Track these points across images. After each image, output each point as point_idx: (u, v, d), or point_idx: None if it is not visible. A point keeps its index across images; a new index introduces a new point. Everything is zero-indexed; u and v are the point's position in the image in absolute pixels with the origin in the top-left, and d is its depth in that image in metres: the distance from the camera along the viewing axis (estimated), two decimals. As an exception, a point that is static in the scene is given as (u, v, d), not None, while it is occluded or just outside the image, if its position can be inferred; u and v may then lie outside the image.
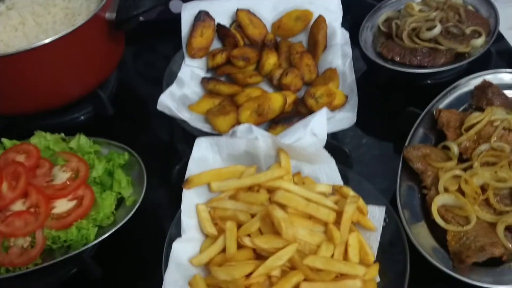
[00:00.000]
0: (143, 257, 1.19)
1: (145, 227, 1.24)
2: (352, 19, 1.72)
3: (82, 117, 1.59)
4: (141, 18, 1.51)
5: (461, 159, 1.21)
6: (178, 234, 1.12)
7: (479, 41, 1.50)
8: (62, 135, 1.32)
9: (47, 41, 1.28)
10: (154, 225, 1.25)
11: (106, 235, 1.11)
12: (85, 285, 1.18)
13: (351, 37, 1.58)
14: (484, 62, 1.59)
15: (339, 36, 1.50)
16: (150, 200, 1.24)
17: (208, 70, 1.53)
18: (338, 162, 1.21)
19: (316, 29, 1.50)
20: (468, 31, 1.52)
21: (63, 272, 1.17)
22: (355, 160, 1.34)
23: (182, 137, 1.40)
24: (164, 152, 1.45)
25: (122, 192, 1.19)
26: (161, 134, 1.49)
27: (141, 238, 1.23)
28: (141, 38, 1.88)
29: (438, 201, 1.10)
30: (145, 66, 1.84)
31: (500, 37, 1.70)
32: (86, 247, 1.09)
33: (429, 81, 1.57)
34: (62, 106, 1.46)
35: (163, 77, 1.50)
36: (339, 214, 1.10)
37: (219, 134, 1.29)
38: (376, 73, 1.57)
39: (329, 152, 1.21)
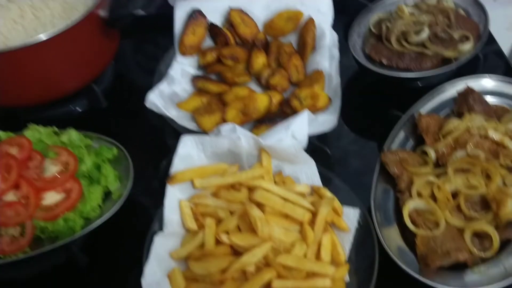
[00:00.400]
0: (128, 248, 1.25)
1: (130, 220, 1.30)
2: (347, 18, 1.74)
3: (78, 109, 1.64)
4: (141, 12, 1.55)
5: (438, 165, 1.25)
6: (160, 228, 1.18)
7: (467, 46, 1.52)
8: (55, 128, 1.37)
9: (43, 38, 1.33)
10: (139, 219, 1.30)
11: (92, 227, 1.16)
12: (73, 274, 1.24)
13: (344, 37, 1.61)
14: (472, 67, 1.61)
15: (328, 38, 1.53)
16: (136, 194, 1.30)
17: (199, 68, 1.57)
18: (318, 163, 1.26)
19: (305, 31, 1.53)
20: (456, 35, 1.53)
21: (52, 261, 1.23)
22: (336, 161, 1.38)
23: (172, 132, 1.44)
24: (153, 146, 1.50)
25: (109, 186, 1.24)
26: (152, 129, 1.53)
27: (126, 230, 1.29)
28: (140, 31, 1.92)
29: (410, 205, 1.14)
30: (143, 59, 1.88)
31: (491, 40, 1.72)
32: (72, 238, 1.15)
33: (418, 84, 1.60)
34: (56, 99, 1.51)
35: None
36: (315, 214, 1.15)
37: (204, 132, 1.33)
38: (364, 74, 1.60)
39: (311, 152, 1.26)
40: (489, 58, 1.71)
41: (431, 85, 1.51)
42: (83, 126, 1.40)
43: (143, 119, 1.58)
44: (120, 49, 1.68)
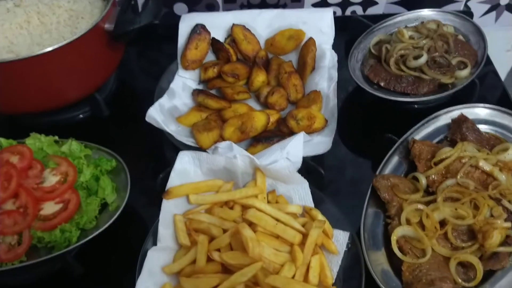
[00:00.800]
0: (122, 260, 1.28)
1: (126, 231, 1.32)
2: (348, 36, 1.77)
3: (81, 116, 1.67)
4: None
5: (428, 192, 1.28)
6: (154, 242, 1.21)
7: (464, 73, 1.54)
8: (56, 137, 1.39)
9: (48, 49, 1.36)
10: (134, 231, 1.33)
11: (87, 238, 1.19)
12: (68, 282, 1.26)
13: (345, 54, 1.63)
14: (468, 91, 1.64)
15: (328, 59, 1.55)
16: (133, 206, 1.33)
17: (200, 82, 1.60)
18: (311, 183, 1.28)
19: (306, 51, 1.55)
20: (454, 61, 1.56)
21: (47, 268, 1.26)
22: (329, 182, 1.41)
23: (171, 145, 1.47)
24: (151, 158, 1.53)
25: (106, 198, 1.27)
26: (151, 140, 1.55)
27: (121, 241, 1.32)
28: (145, 39, 1.94)
29: (398, 232, 1.17)
30: (147, 67, 1.90)
31: (488, 63, 1.74)
32: (68, 248, 1.17)
33: (415, 106, 1.63)
34: (58, 108, 1.54)
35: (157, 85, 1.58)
36: (306, 236, 1.17)
37: (202, 149, 1.36)
38: (361, 94, 1.62)
39: (305, 172, 1.29)
40: (485, 81, 1.74)
41: (427, 108, 1.54)
42: (83, 134, 1.43)
43: (144, 129, 1.60)
44: (124, 55, 1.71)
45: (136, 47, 1.95)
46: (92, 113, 1.65)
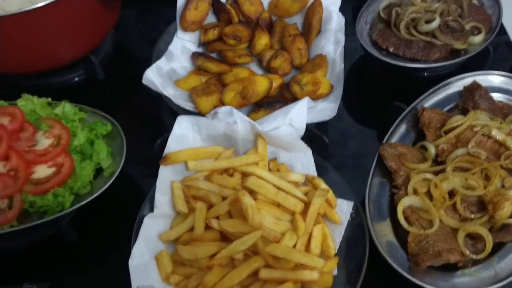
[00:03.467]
0: (118, 226, 1.24)
1: (121, 198, 1.28)
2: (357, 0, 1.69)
3: (75, 79, 1.61)
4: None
5: (437, 161, 1.22)
6: (151, 209, 1.16)
7: (478, 38, 1.47)
8: (49, 99, 1.33)
9: (39, 4, 1.28)
10: (130, 196, 1.29)
11: (81, 203, 1.15)
12: (61, 248, 1.23)
13: (352, 19, 1.55)
14: (481, 59, 1.56)
15: (335, 22, 1.48)
16: (129, 172, 1.29)
17: (200, 45, 1.52)
18: (315, 151, 1.23)
19: (311, 13, 1.47)
20: (468, 26, 1.48)
21: (40, 234, 1.22)
22: (333, 150, 1.36)
23: (169, 110, 1.41)
24: (149, 123, 1.48)
25: (101, 163, 1.22)
26: (149, 104, 1.50)
27: (117, 208, 1.28)
28: (144, 1, 1.86)
29: (404, 202, 1.12)
30: (144, 29, 1.83)
31: (502, 32, 1.66)
32: (61, 213, 1.13)
33: (425, 74, 1.55)
34: (52, 69, 1.48)
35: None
36: (308, 205, 1.13)
37: (201, 113, 1.30)
38: (369, 61, 1.55)
39: (308, 140, 1.23)
40: (498, 50, 1.66)
41: (437, 76, 1.47)
42: (79, 97, 1.37)
43: (141, 94, 1.54)
44: (121, 18, 1.64)
45: (134, 9, 1.87)
46: (88, 76, 1.59)
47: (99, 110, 1.33)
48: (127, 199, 1.28)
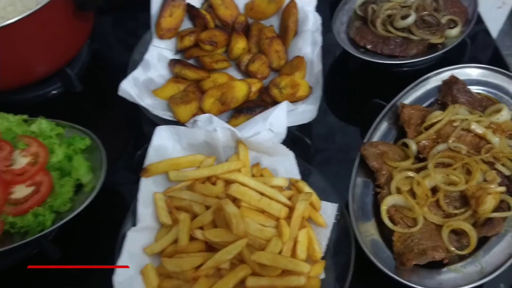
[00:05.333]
0: (102, 241, 1.22)
1: (104, 212, 1.26)
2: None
3: (54, 92, 1.58)
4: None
5: (419, 158, 1.22)
6: (134, 222, 1.15)
7: (454, 32, 1.47)
8: (25, 116, 1.31)
9: (11, 21, 1.26)
10: (113, 212, 1.27)
11: (62, 222, 1.13)
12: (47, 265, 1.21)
13: (330, 17, 1.55)
14: (459, 53, 1.57)
15: (311, 22, 1.47)
16: (111, 186, 1.27)
17: (177, 52, 1.51)
18: (298, 154, 1.22)
19: (287, 14, 1.47)
20: (444, 20, 1.48)
21: (23, 254, 1.20)
22: (316, 152, 1.35)
23: (149, 120, 1.39)
24: (128, 135, 1.46)
25: (81, 179, 1.20)
26: (129, 115, 1.48)
27: (100, 223, 1.26)
28: (119, 7, 1.83)
29: (388, 202, 1.12)
30: (123, 38, 1.81)
31: (479, 21, 1.66)
32: (42, 233, 1.11)
33: (404, 69, 1.55)
34: (26, 84, 1.45)
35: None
36: (292, 209, 1.12)
37: (180, 123, 1.29)
38: (348, 59, 1.55)
39: (290, 142, 1.23)
40: (477, 41, 1.67)
41: (417, 71, 1.47)
42: (57, 111, 1.35)
43: (121, 104, 1.51)
44: (98, 26, 1.61)
45: (111, 16, 1.85)
46: (65, 89, 1.56)
47: (78, 122, 1.31)
48: (110, 213, 1.27)
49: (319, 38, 1.44)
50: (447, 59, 1.51)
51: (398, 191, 1.14)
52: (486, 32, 1.70)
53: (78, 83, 1.53)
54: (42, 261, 1.21)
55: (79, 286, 1.19)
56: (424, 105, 1.34)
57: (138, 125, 1.46)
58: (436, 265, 1.06)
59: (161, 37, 1.48)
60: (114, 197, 1.31)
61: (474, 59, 1.54)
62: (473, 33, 1.61)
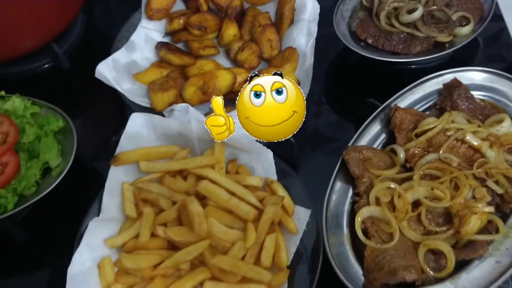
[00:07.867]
0: (68, 228, 1.18)
1: (73, 198, 1.23)
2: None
3: (43, 68, 1.54)
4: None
5: (406, 168, 1.13)
6: (98, 212, 1.10)
7: (465, 30, 1.35)
8: (2, 93, 1.27)
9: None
10: (79, 199, 1.23)
11: (24, 205, 1.10)
12: (10, 249, 1.18)
13: (335, 4, 1.45)
14: (470, 54, 1.44)
15: (309, 11, 1.37)
16: (81, 172, 1.22)
17: (166, 34, 1.44)
18: (280, 154, 1.15)
19: (284, 1, 1.37)
20: (455, 16, 1.37)
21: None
22: (299, 153, 1.27)
23: (131, 104, 1.34)
24: (108, 119, 1.41)
25: (49, 162, 1.16)
26: (113, 98, 1.41)
27: (67, 209, 1.22)
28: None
29: (363, 213, 1.04)
30: (119, 12, 1.75)
31: (496, 18, 1.52)
32: (3, 216, 1.08)
33: (407, 67, 1.44)
34: (9, 59, 1.41)
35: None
36: (262, 212, 1.06)
37: (155, 111, 1.23)
38: (346, 53, 1.45)
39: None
40: (493, 40, 1.53)
41: (420, 70, 1.36)
42: (39, 89, 1.31)
43: (106, 87, 1.47)
44: (91, 5, 1.56)
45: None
46: (53, 66, 1.52)
47: (61, 103, 1.26)
48: (78, 200, 1.22)
49: (314, 29, 1.35)
50: (457, 59, 1.39)
51: (377, 201, 1.06)
52: (504, 30, 1.56)
53: (65, 60, 1.49)
54: (7, 244, 1.18)
55: (41, 272, 1.16)
56: (422, 109, 1.25)
57: (120, 110, 1.41)
58: (409, 287, 0.98)
59: (150, 17, 1.41)
60: (82, 184, 1.25)
61: (487, 61, 1.42)
62: (490, 31, 1.48)
